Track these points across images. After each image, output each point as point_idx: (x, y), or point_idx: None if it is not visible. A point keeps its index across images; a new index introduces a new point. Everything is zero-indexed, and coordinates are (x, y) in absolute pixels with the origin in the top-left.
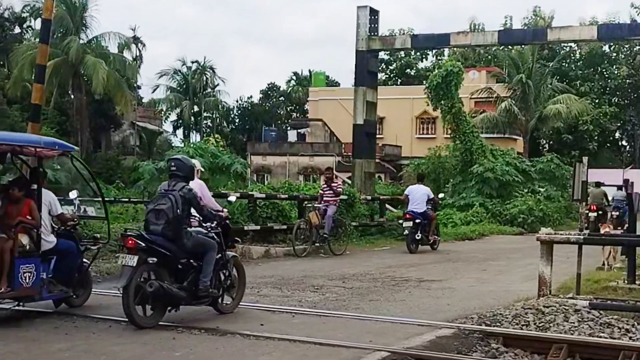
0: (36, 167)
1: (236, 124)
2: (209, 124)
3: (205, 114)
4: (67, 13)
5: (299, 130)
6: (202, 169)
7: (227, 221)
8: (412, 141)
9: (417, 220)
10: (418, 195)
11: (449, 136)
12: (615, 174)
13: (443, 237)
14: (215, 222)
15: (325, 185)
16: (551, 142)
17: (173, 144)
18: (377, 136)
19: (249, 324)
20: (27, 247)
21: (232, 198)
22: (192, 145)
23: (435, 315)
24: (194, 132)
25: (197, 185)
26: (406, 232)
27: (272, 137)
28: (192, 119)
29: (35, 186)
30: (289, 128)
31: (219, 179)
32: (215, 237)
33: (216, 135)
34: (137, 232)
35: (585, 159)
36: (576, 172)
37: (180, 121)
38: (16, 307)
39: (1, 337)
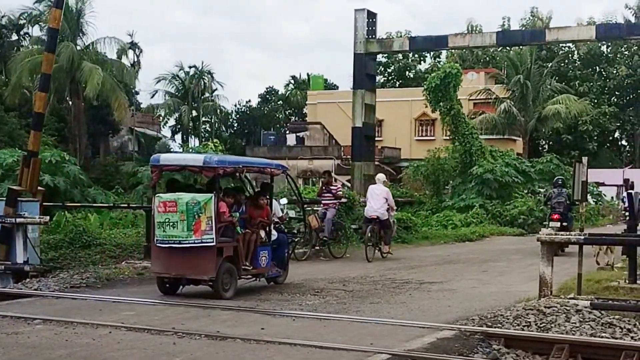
0: (268, 183)
1: (235, 128)
2: (207, 128)
3: (203, 119)
4: (63, 19)
5: (297, 134)
6: (386, 180)
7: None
8: (411, 143)
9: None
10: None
11: (448, 138)
12: (615, 174)
13: (443, 238)
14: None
15: (323, 189)
16: (551, 143)
17: (172, 149)
18: (376, 139)
19: (250, 328)
20: (264, 239)
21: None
22: (191, 150)
23: (436, 317)
24: (193, 136)
25: (384, 191)
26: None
27: (270, 141)
28: (191, 123)
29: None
30: (287, 132)
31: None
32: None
33: (215, 140)
34: (560, 211)
35: (585, 159)
36: (576, 173)
37: (179, 126)
38: (253, 281)
39: (1, 345)
